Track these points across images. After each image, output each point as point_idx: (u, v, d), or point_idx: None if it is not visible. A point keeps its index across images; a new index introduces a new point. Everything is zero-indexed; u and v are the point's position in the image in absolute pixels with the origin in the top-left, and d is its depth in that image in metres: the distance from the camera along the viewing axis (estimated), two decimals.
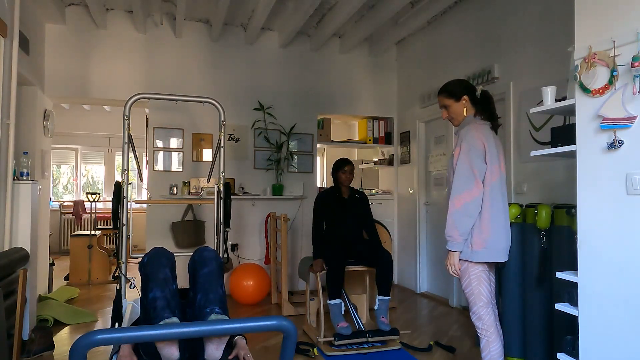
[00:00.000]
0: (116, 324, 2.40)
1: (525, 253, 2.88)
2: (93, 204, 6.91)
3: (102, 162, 8.90)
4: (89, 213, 7.70)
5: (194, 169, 5.17)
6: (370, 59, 5.88)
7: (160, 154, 5.11)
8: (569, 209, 2.61)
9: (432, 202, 5.18)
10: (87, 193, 7.16)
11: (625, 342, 1.83)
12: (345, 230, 3.75)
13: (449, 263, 2.26)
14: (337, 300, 3.40)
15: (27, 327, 3.20)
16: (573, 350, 2.08)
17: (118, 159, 8.88)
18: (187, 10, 4.86)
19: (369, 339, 3.28)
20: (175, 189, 5.00)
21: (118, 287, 2.56)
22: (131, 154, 2.69)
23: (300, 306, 4.34)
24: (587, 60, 1.95)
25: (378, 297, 3.44)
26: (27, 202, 3.33)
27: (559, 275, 2.16)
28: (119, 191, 2.62)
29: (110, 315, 2.50)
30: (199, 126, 5.17)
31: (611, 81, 1.86)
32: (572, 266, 2.13)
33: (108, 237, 7.94)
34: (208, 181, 3.24)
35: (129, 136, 2.69)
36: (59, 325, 3.89)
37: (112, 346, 1.98)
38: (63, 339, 3.59)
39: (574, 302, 2.08)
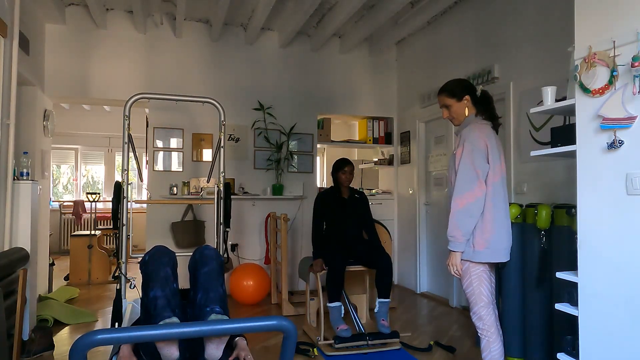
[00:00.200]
0: (116, 324, 2.40)
1: (525, 253, 2.88)
2: (93, 204, 6.91)
3: (102, 162, 8.90)
4: (89, 213, 7.70)
5: (194, 169, 5.17)
6: (370, 59, 5.88)
7: (160, 154, 5.11)
8: (569, 209, 2.61)
9: (432, 202, 5.18)
10: (87, 193, 7.16)
11: (625, 342, 1.83)
12: (345, 230, 3.74)
13: (450, 263, 2.25)
14: (337, 303, 3.40)
15: (27, 327, 3.20)
16: (573, 350, 2.08)
17: (118, 159, 8.88)
18: (187, 10, 4.86)
19: (369, 342, 3.29)
20: (175, 189, 5.00)
21: (118, 287, 2.56)
22: (131, 154, 2.69)
23: (300, 306, 4.34)
24: (587, 60, 1.95)
25: (378, 300, 3.44)
26: (27, 202, 3.33)
27: (559, 275, 2.16)
28: (119, 191, 2.62)
29: (110, 315, 2.50)
30: (199, 126, 5.17)
31: (611, 81, 1.86)
32: (572, 266, 2.13)
33: (108, 237, 7.94)
34: (208, 181, 3.24)
35: (129, 136, 2.69)
36: (59, 325, 3.89)
37: (112, 346, 1.98)
38: (63, 339, 3.59)
39: (574, 302, 2.08)
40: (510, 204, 2.71)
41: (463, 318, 4.18)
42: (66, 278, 5.75)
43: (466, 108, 2.35)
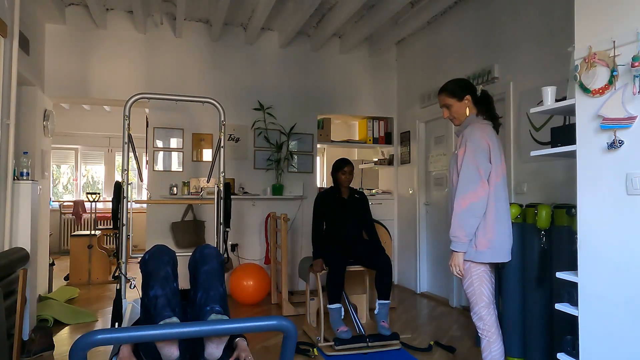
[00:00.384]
0: (116, 324, 2.40)
1: (525, 253, 2.88)
2: (93, 204, 6.91)
3: (102, 162, 8.90)
4: (89, 213, 7.70)
5: (194, 169, 5.17)
6: (370, 59, 5.88)
7: (160, 154, 5.11)
8: (569, 209, 2.61)
9: (432, 202, 5.18)
10: (87, 193, 7.16)
11: (625, 342, 1.83)
12: (345, 230, 3.74)
13: (452, 264, 2.24)
14: (337, 305, 3.40)
15: (27, 327, 3.20)
16: (573, 350, 2.08)
17: (118, 159, 8.88)
18: (187, 10, 4.86)
19: (369, 344, 3.29)
20: (175, 189, 5.00)
21: (118, 287, 2.56)
22: (131, 154, 2.69)
23: (300, 306, 4.34)
24: (587, 60, 1.95)
25: (378, 302, 3.44)
26: (27, 202, 3.33)
27: (559, 275, 2.16)
28: (119, 191, 2.62)
29: (110, 315, 2.50)
30: (199, 126, 5.17)
31: (611, 81, 1.86)
32: (572, 266, 2.13)
33: (108, 237, 7.94)
34: (208, 181, 3.24)
35: (129, 136, 2.69)
36: (59, 325, 3.89)
37: (112, 347, 1.98)
38: (63, 339, 3.59)
39: (574, 302, 2.08)
40: (510, 204, 2.70)
41: (463, 318, 4.18)
42: (66, 278, 5.75)
43: (467, 108, 2.35)
